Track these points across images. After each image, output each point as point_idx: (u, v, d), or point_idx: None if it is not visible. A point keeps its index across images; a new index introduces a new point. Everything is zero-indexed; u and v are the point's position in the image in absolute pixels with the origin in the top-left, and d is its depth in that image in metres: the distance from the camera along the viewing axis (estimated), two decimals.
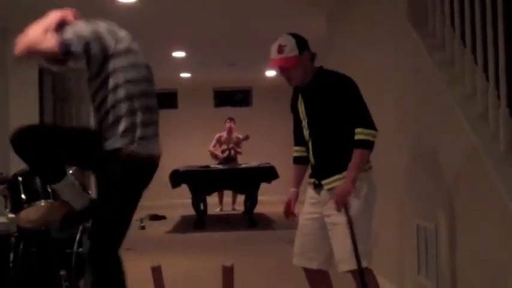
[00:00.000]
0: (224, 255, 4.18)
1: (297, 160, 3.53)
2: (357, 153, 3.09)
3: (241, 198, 10.22)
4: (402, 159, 4.22)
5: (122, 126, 2.90)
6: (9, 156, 5.85)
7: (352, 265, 3.09)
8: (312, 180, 3.31)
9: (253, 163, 9.91)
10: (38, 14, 3.00)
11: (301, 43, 3.23)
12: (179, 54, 9.55)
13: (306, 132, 3.32)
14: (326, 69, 3.31)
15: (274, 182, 9.42)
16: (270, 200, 11.19)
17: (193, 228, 8.87)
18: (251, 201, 9.34)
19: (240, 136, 10.69)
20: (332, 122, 3.19)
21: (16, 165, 4.90)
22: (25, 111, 6.48)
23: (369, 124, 3.12)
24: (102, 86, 2.94)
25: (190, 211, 9.25)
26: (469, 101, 3.24)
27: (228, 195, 11.22)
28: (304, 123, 3.32)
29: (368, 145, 3.10)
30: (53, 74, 7.69)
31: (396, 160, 4.35)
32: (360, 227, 3.09)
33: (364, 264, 3.08)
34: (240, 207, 10.68)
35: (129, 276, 4.10)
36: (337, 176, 3.16)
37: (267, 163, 9.71)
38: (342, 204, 3.06)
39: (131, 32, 3.18)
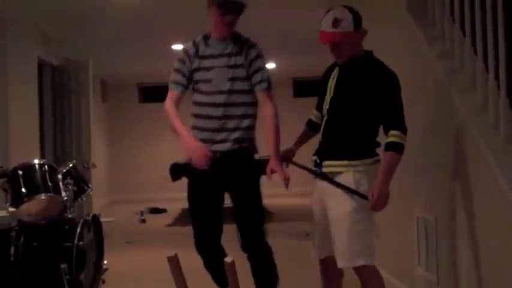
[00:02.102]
0: (225, 248, 4.17)
1: (309, 124, 3.50)
2: (390, 156, 2.98)
3: None
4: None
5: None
6: (9, 150, 5.85)
7: (349, 262, 3.06)
8: (314, 157, 3.22)
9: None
10: (37, 6, 2.99)
11: (358, 19, 3.11)
12: (178, 46, 9.52)
13: (325, 107, 3.21)
14: (375, 57, 3.22)
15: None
16: (270, 192, 11.18)
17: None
18: None
19: None
20: (354, 109, 3.08)
21: (16, 158, 4.90)
22: (24, 105, 6.47)
23: (404, 128, 3.01)
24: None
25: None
26: (468, 92, 3.23)
27: None
28: (328, 97, 3.20)
29: (401, 149, 2.99)
30: (52, 67, 7.68)
31: None
32: (359, 223, 3.03)
33: (361, 262, 3.03)
34: None
35: (131, 268, 4.12)
36: (339, 162, 3.08)
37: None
38: (380, 209, 3.01)
39: (131, 24, 3.17)
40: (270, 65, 11.81)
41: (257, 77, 3.45)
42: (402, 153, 2.99)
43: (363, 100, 3.06)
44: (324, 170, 3.14)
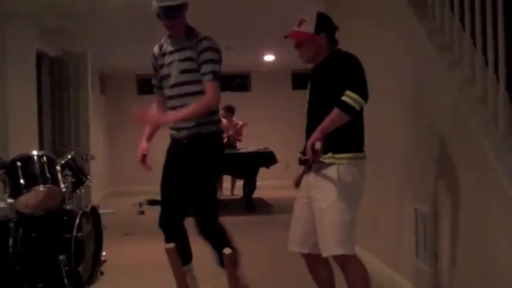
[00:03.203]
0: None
1: None
2: (335, 113, 3.03)
3: (240, 183, 10.24)
4: (401, 143, 4.22)
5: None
6: (8, 141, 5.85)
7: (330, 250, 3.12)
8: (299, 155, 3.27)
9: (252, 148, 9.92)
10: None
11: (322, 23, 3.23)
12: None
13: (306, 109, 3.34)
14: (338, 50, 3.30)
15: (272, 167, 9.44)
16: (268, 185, 11.21)
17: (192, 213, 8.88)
18: (250, 186, 9.35)
19: (240, 123, 10.69)
20: (327, 102, 3.12)
21: (15, 150, 4.90)
22: (23, 97, 6.46)
23: (359, 90, 3.04)
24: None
25: None
26: (468, 85, 3.23)
27: (227, 180, 11.24)
28: (307, 100, 3.34)
29: (347, 109, 3.01)
30: (51, 59, 7.66)
31: (395, 144, 4.35)
32: (341, 214, 3.09)
33: (341, 251, 3.09)
34: (238, 192, 10.70)
35: (129, 260, 4.13)
36: (330, 154, 3.12)
37: (266, 148, 9.71)
38: (311, 152, 3.00)
39: (130, 16, 3.19)
40: (270, 58, 11.81)
41: (203, 69, 3.68)
42: (349, 115, 3.03)
43: (335, 93, 3.09)
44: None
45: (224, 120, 10.56)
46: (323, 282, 3.41)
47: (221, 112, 10.53)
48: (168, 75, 3.80)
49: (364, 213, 5.14)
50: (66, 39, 8.06)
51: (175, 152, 3.87)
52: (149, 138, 4.01)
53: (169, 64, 3.79)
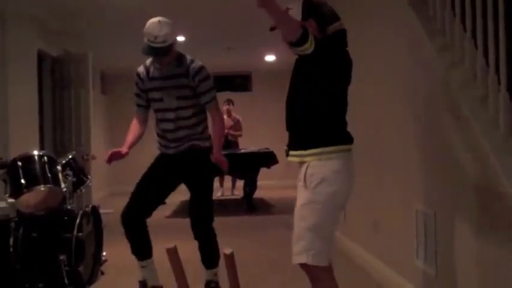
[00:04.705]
0: (224, 240, 4.20)
1: None
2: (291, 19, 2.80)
3: (240, 183, 10.24)
4: (401, 144, 4.22)
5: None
6: (9, 141, 5.85)
7: (293, 258, 2.92)
8: (286, 148, 3.11)
9: (253, 148, 9.92)
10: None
11: (309, 9, 2.95)
12: (178, 38, 9.50)
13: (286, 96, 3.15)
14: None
15: (273, 167, 9.43)
16: (269, 185, 11.21)
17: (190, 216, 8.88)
18: (250, 186, 9.35)
19: (239, 118, 10.65)
20: (301, 96, 2.97)
21: (15, 149, 4.90)
22: (24, 97, 6.46)
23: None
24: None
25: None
26: (469, 86, 3.23)
27: (227, 180, 11.23)
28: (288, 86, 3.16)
29: (299, 38, 2.73)
30: (52, 59, 7.67)
31: (395, 145, 4.35)
32: (304, 220, 2.89)
33: (301, 259, 2.87)
34: (239, 192, 10.69)
35: (130, 260, 4.13)
36: (299, 152, 2.96)
37: (267, 148, 9.71)
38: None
39: (130, 16, 3.19)
40: (271, 58, 11.80)
41: (206, 98, 3.99)
42: (295, 39, 2.74)
43: (302, 86, 2.96)
44: (289, 159, 3.06)
45: (225, 117, 10.51)
46: None
47: (225, 106, 10.52)
48: (160, 100, 4.00)
49: (366, 214, 5.16)
50: (68, 39, 8.07)
51: (167, 160, 4.13)
52: (130, 147, 4.09)
53: (161, 89, 3.99)
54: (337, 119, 3.01)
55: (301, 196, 2.95)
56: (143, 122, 4.13)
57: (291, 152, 3.05)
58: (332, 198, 2.90)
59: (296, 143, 3.02)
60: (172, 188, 4.21)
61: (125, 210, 4.05)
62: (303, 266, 2.93)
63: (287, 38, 2.78)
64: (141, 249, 4.06)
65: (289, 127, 3.09)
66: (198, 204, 4.11)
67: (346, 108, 3.07)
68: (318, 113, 2.94)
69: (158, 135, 4.17)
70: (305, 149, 2.95)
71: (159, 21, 3.85)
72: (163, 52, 3.86)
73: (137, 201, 4.03)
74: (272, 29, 2.97)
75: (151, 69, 4.01)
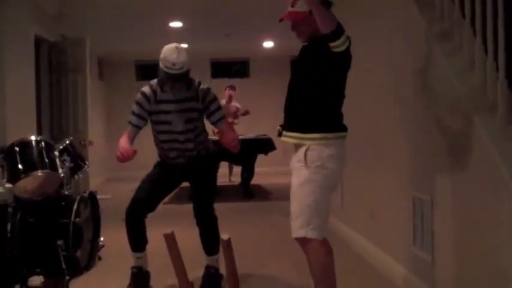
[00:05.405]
0: (221, 226, 4.22)
1: None
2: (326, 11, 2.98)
3: (237, 169, 10.24)
4: (399, 132, 4.23)
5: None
6: (6, 126, 5.84)
7: (293, 233, 3.14)
8: (278, 127, 3.32)
9: (251, 135, 9.90)
10: None
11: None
12: (176, 24, 9.48)
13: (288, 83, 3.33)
14: None
15: (270, 154, 9.43)
16: (266, 171, 11.22)
17: (189, 199, 8.89)
18: (248, 172, 9.35)
19: (239, 106, 10.61)
20: (307, 82, 3.16)
21: (13, 135, 4.89)
22: (21, 82, 6.44)
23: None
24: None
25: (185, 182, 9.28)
26: (467, 73, 3.23)
27: (224, 166, 11.22)
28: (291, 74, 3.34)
29: (337, 27, 2.96)
30: (49, 44, 7.64)
31: (393, 132, 4.35)
32: (301, 197, 3.10)
33: (301, 233, 3.09)
34: (236, 178, 10.70)
35: (127, 246, 4.14)
36: (292, 134, 3.19)
37: (264, 135, 9.70)
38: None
39: (128, 1, 3.18)
40: (269, 44, 11.78)
41: (216, 116, 4.16)
42: (338, 31, 2.96)
43: (313, 74, 3.13)
44: (282, 139, 3.26)
45: (223, 101, 10.40)
46: None
47: (228, 91, 10.44)
48: (168, 122, 4.05)
49: (363, 201, 5.18)
50: (65, 24, 8.03)
51: (173, 165, 4.24)
52: (131, 142, 4.07)
53: (168, 112, 4.02)
54: (336, 109, 3.22)
55: (301, 174, 3.13)
56: (131, 141, 4.05)
57: (287, 133, 3.24)
58: (326, 179, 3.12)
59: (294, 125, 3.21)
60: (176, 186, 4.41)
61: (131, 205, 4.10)
62: (301, 240, 3.14)
63: (326, 27, 2.95)
64: (140, 242, 4.14)
65: (288, 110, 3.28)
66: (202, 192, 4.26)
67: (343, 99, 3.26)
68: (322, 100, 3.15)
69: (161, 150, 4.27)
70: (304, 132, 3.14)
71: (176, 47, 3.88)
72: (181, 78, 3.92)
73: (143, 198, 4.11)
74: (281, 20, 3.23)
75: (158, 92, 4.02)
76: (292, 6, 3.23)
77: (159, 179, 4.22)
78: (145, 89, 4.06)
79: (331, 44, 2.99)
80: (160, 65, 3.88)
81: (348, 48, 3.05)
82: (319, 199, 3.10)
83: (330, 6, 3.10)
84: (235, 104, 10.58)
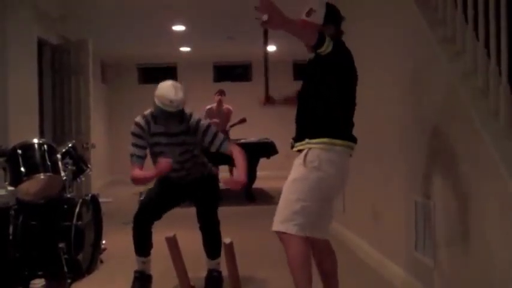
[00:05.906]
0: (223, 230, 4.22)
1: None
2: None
3: None
4: (401, 135, 4.22)
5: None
6: (8, 129, 5.85)
7: (274, 226, 3.19)
8: (291, 141, 3.33)
9: (253, 138, 9.89)
10: None
11: (331, 15, 3.24)
12: (179, 27, 9.48)
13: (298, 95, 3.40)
14: (342, 43, 3.27)
15: (273, 158, 9.43)
16: (268, 175, 11.21)
17: (191, 203, 8.89)
18: (250, 176, 9.32)
19: (230, 107, 10.51)
20: (314, 91, 3.20)
21: (15, 137, 4.89)
22: (24, 85, 6.45)
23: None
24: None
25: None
26: (469, 77, 3.22)
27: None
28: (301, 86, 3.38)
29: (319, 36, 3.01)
30: (52, 47, 7.65)
31: (396, 136, 4.35)
32: (293, 193, 3.13)
33: (281, 228, 3.12)
34: None
35: (129, 249, 4.14)
36: (306, 140, 3.17)
37: (266, 138, 9.70)
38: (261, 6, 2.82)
39: (131, 5, 3.18)
40: (271, 48, 11.78)
41: (216, 143, 4.12)
42: (313, 42, 3.02)
43: (320, 84, 3.17)
44: (295, 149, 3.28)
45: (214, 106, 10.23)
46: (325, 272, 3.40)
47: (217, 97, 10.34)
48: (162, 152, 4.03)
49: (364, 205, 5.17)
50: (67, 27, 8.04)
51: (177, 180, 4.25)
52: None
53: (162, 144, 4.05)
54: (345, 117, 3.23)
55: (296, 171, 3.17)
56: (142, 169, 4.03)
57: (297, 144, 3.25)
58: (320, 182, 3.10)
59: (304, 135, 3.22)
60: (182, 198, 4.36)
61: (140, 212, 4.11)
62: (278, 233, 3.17)
63: (308, 43, 3.06)
64: (145, 247, 4.14)
65: (299, 121, 3.31)
66: (206, 203, 4.28)
67: (355, 108, 3.28)
68: (329, 109, 3.16)
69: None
70: (311, 138, 3.16)
71: (173, 85, 3.91)
72: (176, 116, 3.94)
73: (153, 205, 4.15)
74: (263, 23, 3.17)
75: (152, 124, 4.03)
76: (307, 15, 3.22)
77: (167, 190, 4.24)
78: (140, 119, 4.04)
79: (318, 51, 3.04)
80: (156, 101, 3.87)
81: (334, 48, 3.04)
82: (306, 197, 3.10)
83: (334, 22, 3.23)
84: (226, 106, 10.46)
